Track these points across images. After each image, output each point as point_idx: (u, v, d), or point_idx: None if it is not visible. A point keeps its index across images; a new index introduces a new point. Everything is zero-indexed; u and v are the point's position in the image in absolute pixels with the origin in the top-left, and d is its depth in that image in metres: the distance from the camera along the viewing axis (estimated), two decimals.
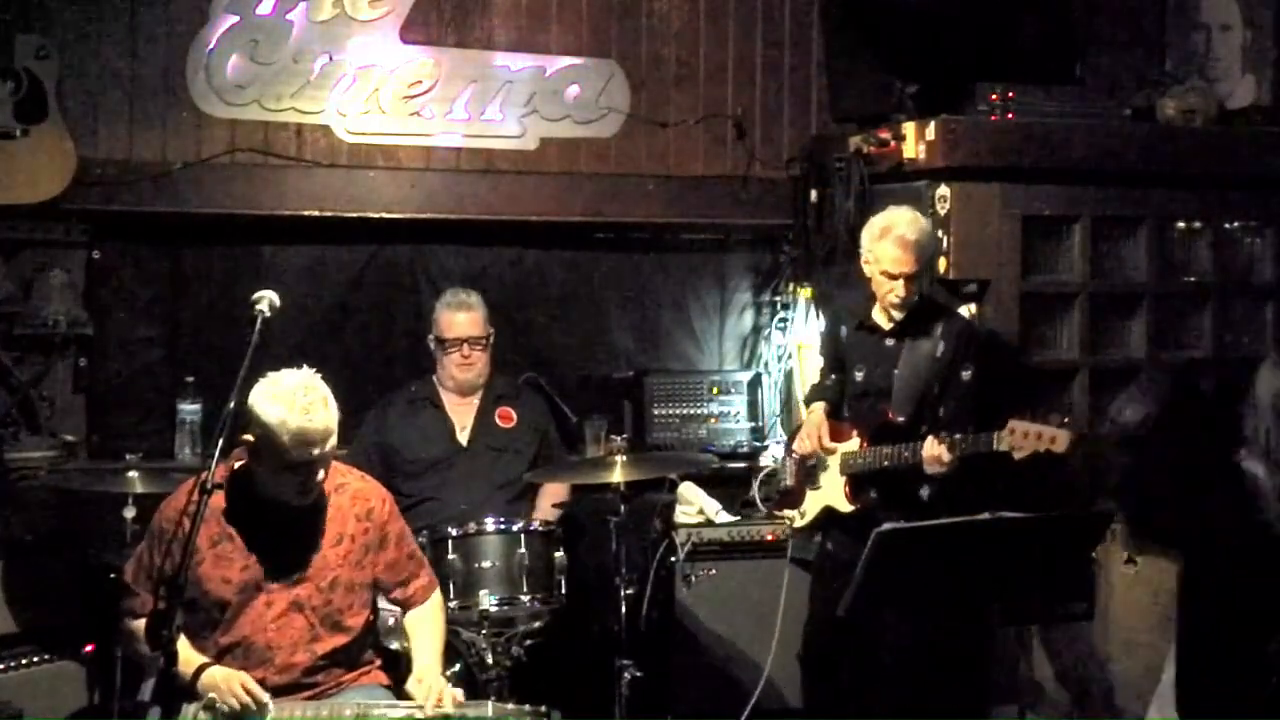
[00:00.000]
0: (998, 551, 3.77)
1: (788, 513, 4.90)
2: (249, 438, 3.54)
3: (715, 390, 5.81)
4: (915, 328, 4.57)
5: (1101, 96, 5.25)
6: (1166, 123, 5.28)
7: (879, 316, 4.62)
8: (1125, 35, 5.93)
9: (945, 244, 4.93)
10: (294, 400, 3.52)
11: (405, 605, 3.89)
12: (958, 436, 4.30)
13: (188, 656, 3.46)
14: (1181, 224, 5.29)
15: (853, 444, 4.59)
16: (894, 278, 4.47)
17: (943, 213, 4.95)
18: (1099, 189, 5.11)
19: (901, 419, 4.51)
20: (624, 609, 4.48)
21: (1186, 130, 5.26)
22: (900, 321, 4.58)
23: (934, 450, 4.30)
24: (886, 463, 4.45)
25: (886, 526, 3.64)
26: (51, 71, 5.03)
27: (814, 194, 5.54)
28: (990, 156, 4.95)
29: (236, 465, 3.65)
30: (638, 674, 4.42)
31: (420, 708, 3.53)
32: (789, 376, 5.86)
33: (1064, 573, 3.97)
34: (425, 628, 3.87)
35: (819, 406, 4.75)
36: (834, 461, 4.63)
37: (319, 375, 3.64)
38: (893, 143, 5.08)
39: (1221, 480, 2.68)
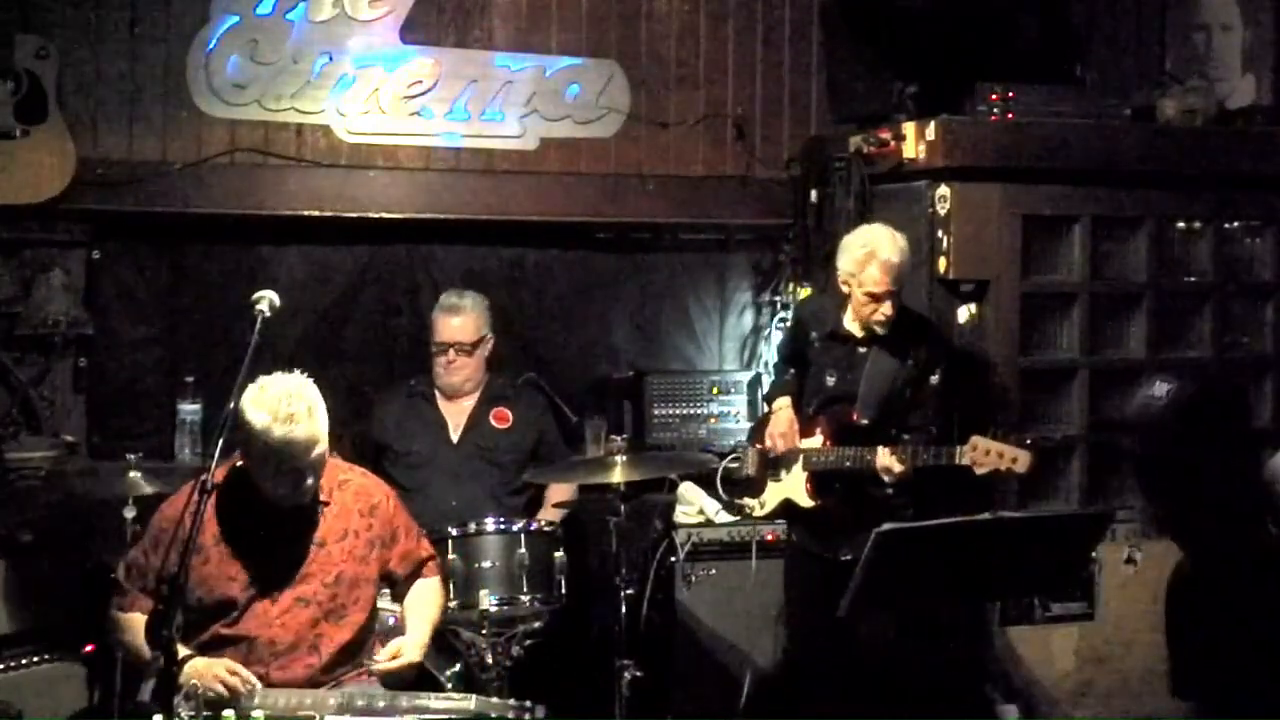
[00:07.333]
0: (998, 551, 3.77)
1: (748, 501, 4.91)
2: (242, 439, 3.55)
3: (715, 390, 5.80)
4: (887, 334, 4.56)
5: (1101, 96, 5.25)
6: (1166, 123, 5.28)
7: (852, 326, 4.61)
8: (1125, 35, 5.95)
9: (945, 244, 4.94)
10: (279, 408, 3.50)
11: (410, 581, 3.91)
12: (914, 448, 4.36)
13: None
14: (1181, 224, 5.28)
15: (816, 441, 4.63)
16: (879, 299, 4.47)
17: (943, 213, 4.94)
18: (1099, 189, 5.10)
19: (865, 421, 4.54)
20: (624, 609, 4.48)
21: (1186, 130, 5.26)
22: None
23: (884, 460, 4.37)
24: (847, 463, 4.50)
25: (886, 526, 3.63)
26: (51, 71, 5.03)
27: (814, 194, 5.54)
28: (990, 156, 4.95)
29: (237, 463, 3.65)
30: (638, 674, 4.41)
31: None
32: None
33: (1064, 573, 3.97)
34: (427, 596, 3.89)
35: (785, 402, 4.75)
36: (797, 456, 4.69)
37: (310, 380, 3.62)
38: (893, 143, 5.08)
39: (1238, 478, 2.64)
